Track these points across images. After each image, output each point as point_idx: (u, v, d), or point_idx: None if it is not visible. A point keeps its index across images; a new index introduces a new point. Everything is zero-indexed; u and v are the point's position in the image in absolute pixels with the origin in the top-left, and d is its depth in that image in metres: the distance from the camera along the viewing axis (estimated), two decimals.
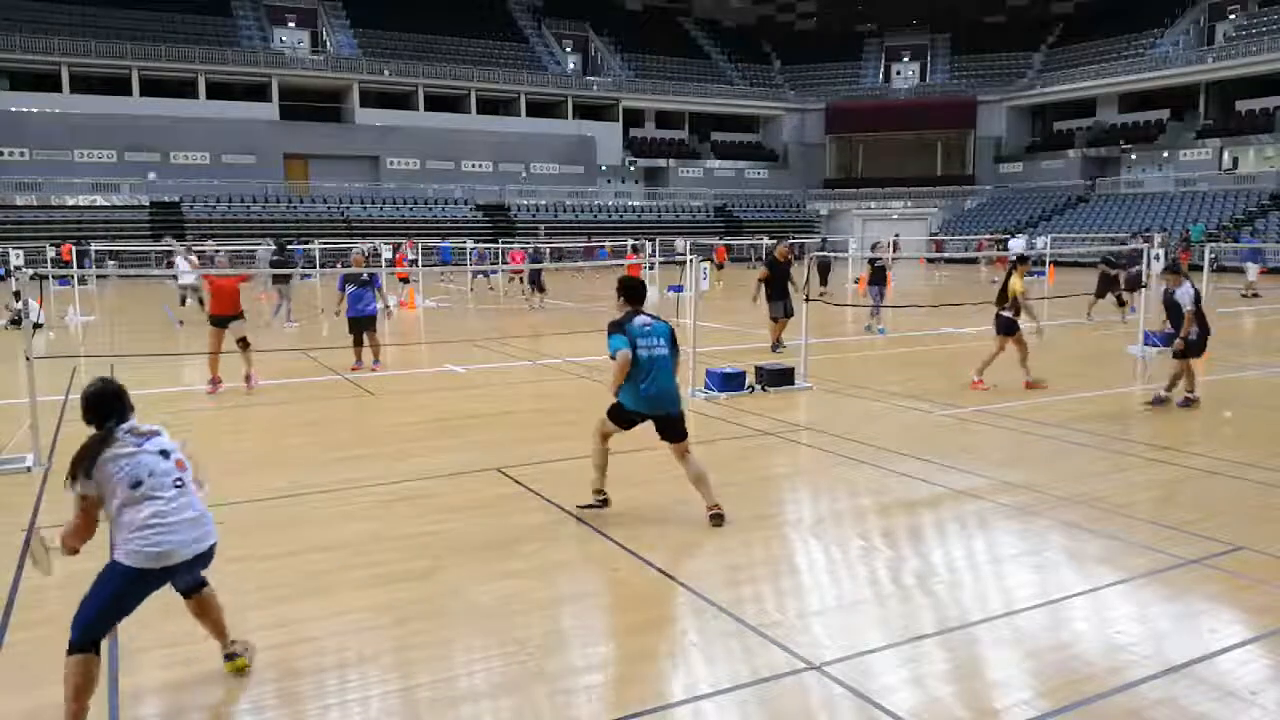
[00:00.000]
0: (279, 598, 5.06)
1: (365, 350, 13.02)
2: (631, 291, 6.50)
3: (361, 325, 12.88)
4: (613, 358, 6.19)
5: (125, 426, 3.87)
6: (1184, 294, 10.05)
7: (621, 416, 6.38)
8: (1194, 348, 10.02)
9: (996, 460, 7.86)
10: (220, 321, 11.43)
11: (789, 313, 14.78)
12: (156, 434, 3.92)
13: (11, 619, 4.80)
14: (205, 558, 3.96)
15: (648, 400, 6.23)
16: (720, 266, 34.33)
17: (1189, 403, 10.05)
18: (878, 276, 17.36)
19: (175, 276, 31.10)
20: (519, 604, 4.96)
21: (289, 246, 25.50)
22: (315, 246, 30.60)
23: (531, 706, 3.91)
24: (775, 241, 16.76)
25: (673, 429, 6.32)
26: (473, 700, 3.99)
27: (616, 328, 6.29)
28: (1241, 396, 10.98)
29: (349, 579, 5.30)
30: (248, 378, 11.48)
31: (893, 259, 31.48)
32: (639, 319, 6.34)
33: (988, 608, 4.89)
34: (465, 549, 5.82)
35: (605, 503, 6.45)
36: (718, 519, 6.23)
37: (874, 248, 20.13)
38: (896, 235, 49.19)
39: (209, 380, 11.45)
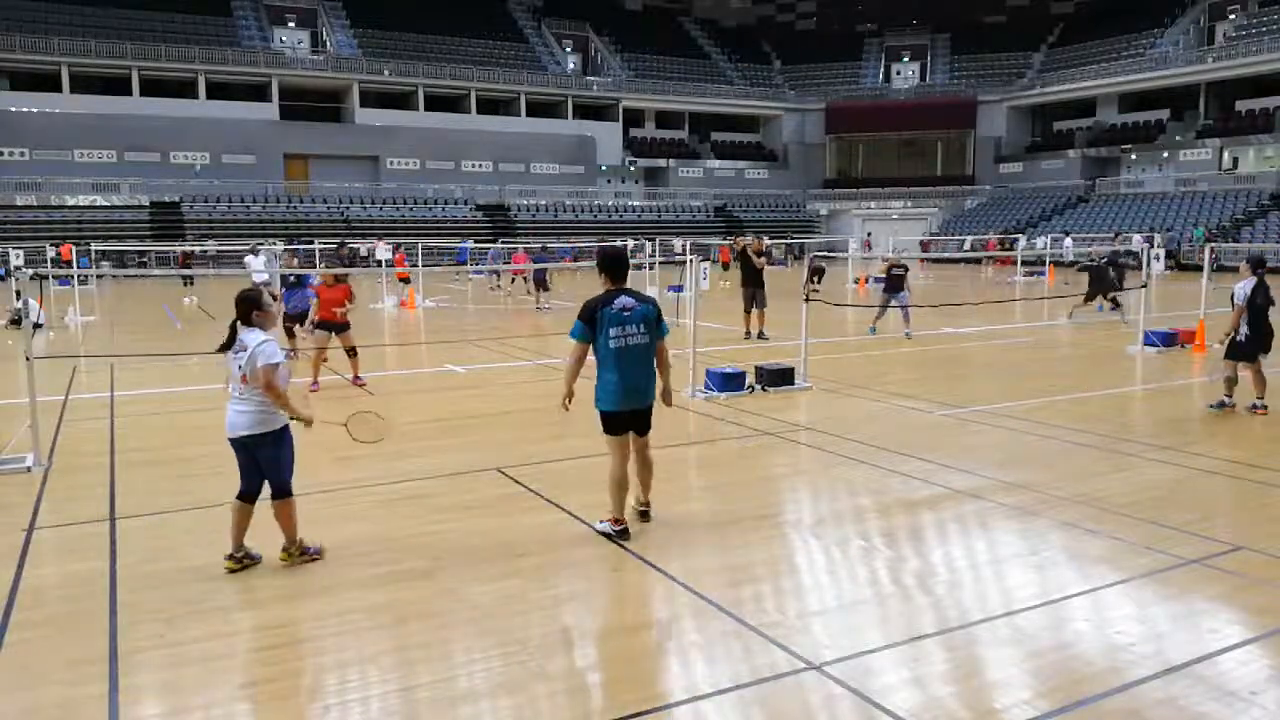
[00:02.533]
0: (279, 597, 5.06)
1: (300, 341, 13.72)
2: (613, 266, 5.80)
3: (295, 320, 13.68)
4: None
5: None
6: (1239, 287, 9.45)
7: (607, 423, 5.84)
8: (1240, 348, 9.46)
9: (996, 460, 7.85)
10: (327, 327, 11.69)
11: (759, 303, 16.00)
12: (244, 350, 5.26)
13: (11, 619, 4.80)
14: (238, 443, 5.39)
15: (626, 394, 5.73)
16: (727, 267, 34.22)
17: (1255, 409, 9.50)
18: (895, 284, 16.78)
19: (190, 280, 31.34)
20: (519, 604, 4.96)
21: (349, 245, 25.62)
22: (316, 246, 30.67)
23: (531, 706, 3.91)
24: (751, 238, 17.33)
25: (640, 422, 5.92)
26: (473, 700, 3.98)
27: (585, 312, 5.67)
28: (1241, 397, 10.97)
29: (349, 579, 5.30)
30: (356, 378, 11.79)
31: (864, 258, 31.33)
32: (619, 301, 5.68)
33: (988, 608, 4.89)
34: (465, 549, 5.81)
35: (625, 533, 5.87)
36: (645, 515, 6.15)
37: (893, 253, 20.12)
38: (869, 234, 49.13)
39: (312, 381, 11.56)
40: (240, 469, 5.42)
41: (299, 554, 5.47)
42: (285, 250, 16.98)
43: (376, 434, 5.80)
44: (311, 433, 9.50)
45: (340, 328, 11.72)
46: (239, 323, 5.31)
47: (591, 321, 5.68)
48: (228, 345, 5.30)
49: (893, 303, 16.82)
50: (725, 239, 43.94)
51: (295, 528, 5.46)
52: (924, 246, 47.61)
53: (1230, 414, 9.60)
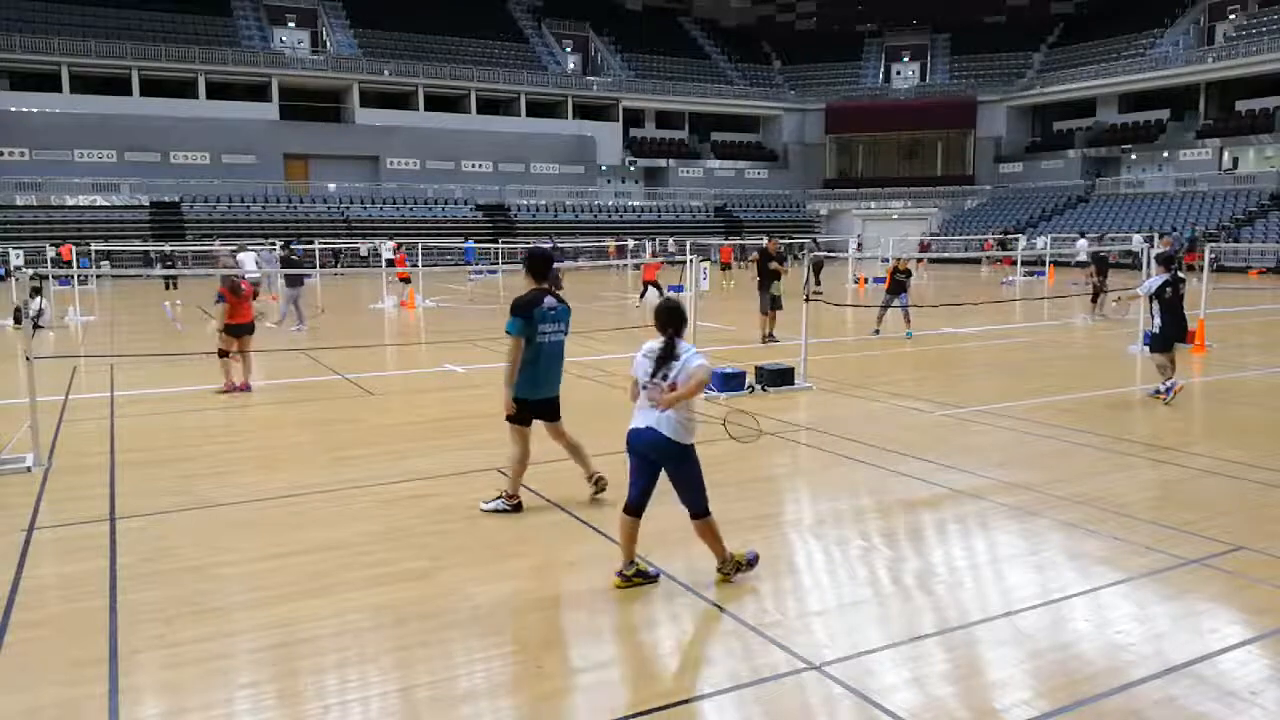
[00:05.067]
0: (279, 598, 5.06)
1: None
2: (542, 267, 6.43)
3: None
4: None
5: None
6: (1149, 280, 10.59)
7: (523, 414, 6.38)
8: (1158, 341, 10.32)
9: (996, 460, 7.85)
10: (235, 331, 11.48)
11: (777, 304, 15.96)
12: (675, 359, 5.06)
13: (11, 619, 4.80)
14: (648, 450, 5.11)
15: (545, 384, 6.39)
16: (726, 267, 33.83)
17: (1157, 394, 10.35)
18: (897, 286, 16.90)
19: (171, 281, 31.03)
20: (519, 604, 4.96)
21: (292, 245, 24.37)
22: (316, 246, 30.59)
23: (531, 706, 3.91)
24: (763, 239, 17.13)
25: (553, 410, 6.55)
26: (473, 700, 3.99)
27: (521, 309, 6.16)
28: (1242, 396, 10.98)
29: (349, 579, 5.30)
30: (245, 384, 11.55)
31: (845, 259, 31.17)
32: (547, 301, 6.27)
33: (988, 608, 4.89)
34: (465, 549, 5.82)
35: (519, 507, 6.48)
36: (602, 485, 6.66)
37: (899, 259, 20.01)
38: (859, 235, 49.15)
39: (226, 384, 11.40)
40: (633, 479, 5.15)
41: (733, 569, 5.20)
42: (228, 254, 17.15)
43: (750, 433, 5.45)
44: (311, 431, 9.51)
45: (247, 330, 11.55)
46: (673, 333, 5.06)
47: (529, 318, 6.18)
48: (666, 358, 4.98)
49: (894, 304, 16.88)
50: (725, 239, 43.88)
51: (723, 545, 5.17)
52: (923, 247, 47.30)
53: (1180, 392, 10.25)
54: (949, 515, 6.42)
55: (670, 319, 5.09)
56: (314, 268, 26.23)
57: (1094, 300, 19.86)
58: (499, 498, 6.53)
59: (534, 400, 6.40)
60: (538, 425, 6.57)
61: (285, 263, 20.55)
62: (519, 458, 6.47)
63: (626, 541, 5.16)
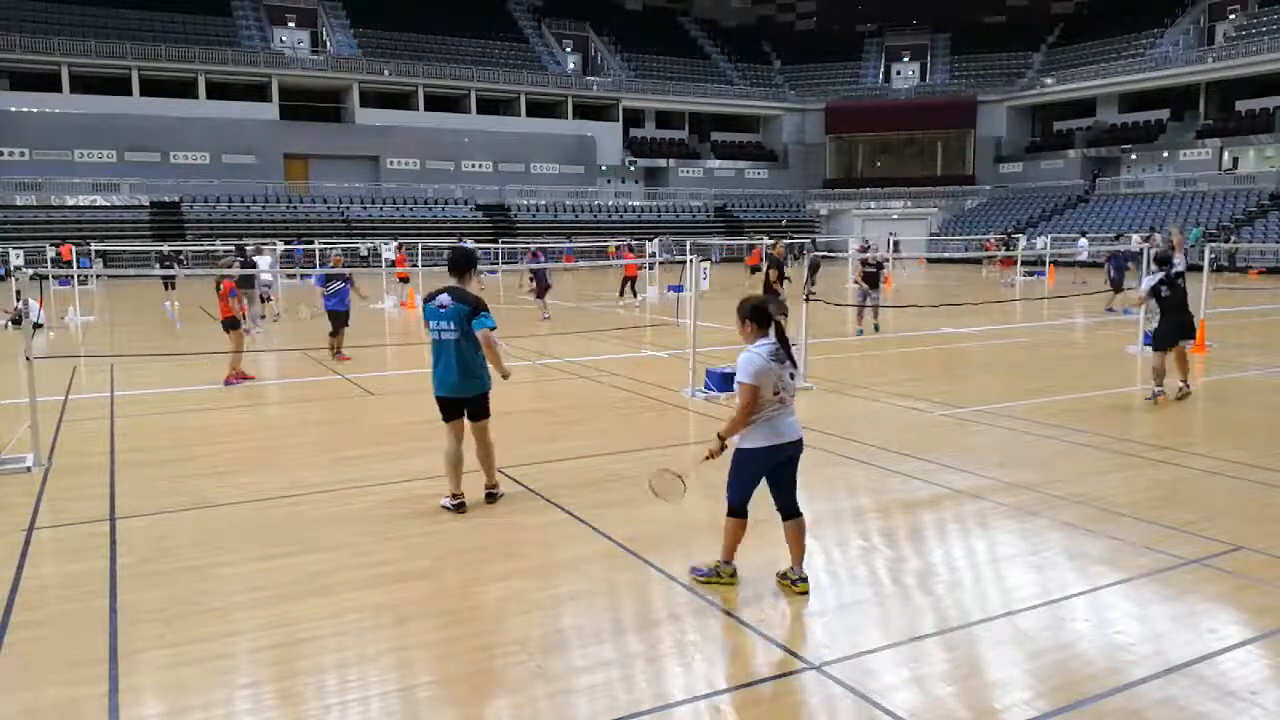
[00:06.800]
0: (279, 598, 5.06)
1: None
2: (449, 264, 6.49)
3: (341, 319, 14.17)
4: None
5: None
6: (1145, 280, 10.74)
7: (438, 405, 6.48)
8: (1157, 340, 10.29)
9: (996, 460, 7.85)
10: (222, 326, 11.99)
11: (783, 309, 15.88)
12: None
13: (11, 619, 4.80)
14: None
15: (440, 383, 6.38)
16: (755, 269, 32.88)
17: (1181, 395, 10.27)
18: (871, 280, 17.35)
19: (169, 281, 30.69)
20: (519, 604, 4.96)
21: (246, 247, 23.09)
22: (316, 246, 30.56)
23: (531, 706, 3.91)
24: (774, 241, 17.16)
25: (471, 409, 6.48)
26: (473, 700, 3.99)
27: (424, 302, 6.45)
28: (1242, 396, 10.98)
29: (349, 579, 5.30)
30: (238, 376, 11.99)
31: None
32: (439, 297, 6.30)
33: (988, 608, 4.89)
34: (465, 549, 5.82)
35: (461, 506, 6.47)
36: (492, 497, 6.69)
37: (864, 250, 20.13)
38: (864, 238, 49.27)
39: (241, 377, 11.92)
40: (752, 486, 5.21)
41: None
42: (336, 252, 18.12)
43: (673, 493, 5.18)
44: (311, 431, 9.50)
45: (226, 326, 11.92)
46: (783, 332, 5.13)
47: (425, 315, 6.43)
48: (788, 354, 5.17)
49: (868, 301, 17.02)
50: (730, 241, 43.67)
51: (728, 547, 5.12)
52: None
53: (1165, 402, 10.12)
54: (949, 515, 6.42)
55: (770, 314, 5.15)
56: (291, 268, 25.82)
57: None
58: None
59: (439, 397, 6.47)
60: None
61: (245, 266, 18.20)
62: (445, 454, 6.53)
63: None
